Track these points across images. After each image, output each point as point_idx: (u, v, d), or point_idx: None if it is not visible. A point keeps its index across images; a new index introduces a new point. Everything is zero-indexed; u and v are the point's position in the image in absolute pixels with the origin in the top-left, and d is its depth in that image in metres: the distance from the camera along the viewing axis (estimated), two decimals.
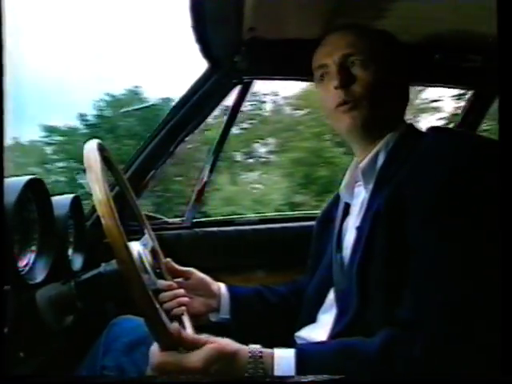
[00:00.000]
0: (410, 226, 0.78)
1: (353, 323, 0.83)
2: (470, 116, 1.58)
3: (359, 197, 0.96)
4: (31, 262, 0.92)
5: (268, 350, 0.73)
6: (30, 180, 0.89)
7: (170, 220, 1.64)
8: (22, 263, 0.90)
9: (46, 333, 0.88)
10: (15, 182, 0.85)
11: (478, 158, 0.80)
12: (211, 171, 1.56)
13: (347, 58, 0.93)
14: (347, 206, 1.01)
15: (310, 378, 0.67)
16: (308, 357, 0.73)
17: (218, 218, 1.74)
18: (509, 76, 0.55)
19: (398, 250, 0.78)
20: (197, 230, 1.56)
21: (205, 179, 1.56)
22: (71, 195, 1.14)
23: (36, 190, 0.93)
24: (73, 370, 0.98)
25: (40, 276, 0.91)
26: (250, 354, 0.71)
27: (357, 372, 0.70)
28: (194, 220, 1.58)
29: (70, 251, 1.12)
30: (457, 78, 1.39)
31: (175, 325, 0.70)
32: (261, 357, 0.71)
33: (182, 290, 1.01)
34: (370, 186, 0.91)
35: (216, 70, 1.31)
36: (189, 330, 0.93)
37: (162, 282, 0.97)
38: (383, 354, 0.71)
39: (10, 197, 0.81)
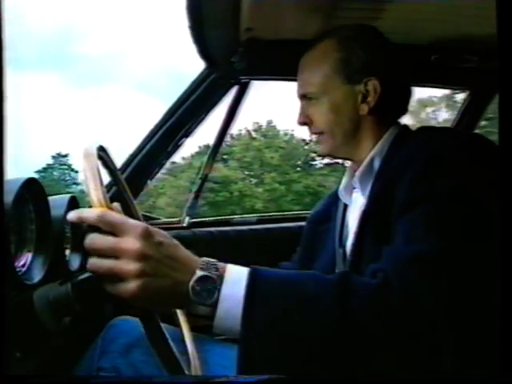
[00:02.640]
0: (393, 218, 0.77)
1: None
2: (466, 116, 1.59)
3: (357, 202, 0.96)
4: (28, 262, 0.92)
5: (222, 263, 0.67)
6: (27, 180, 0.88)
7: (168, 220, 1.64)
8: (18, 263, 0.90)
9: (43, 333, 0.88)
10: (12, 183, 0.85)
11: (458, 148, 0.80)
12: (209, 171, 1.56)
13: (304, 97, 0.96)
14: (345, 208, 1.02)
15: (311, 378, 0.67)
16: (261, 275, 0.65)
17: (216, 218, 1.74)
18: (509, 76, 0.55)
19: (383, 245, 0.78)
20: (194, 230, 1.56)
21: (202, 179, 1.56)
22: (68, 195, 1.14)
23: (33, 190, 0.93)
24: (69, 371, 0.98)
25: (37, 276, 0.90)
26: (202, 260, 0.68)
27: (309, 299, 0.63)
28: (192, 220, 1.58)
29: (67, 252, 1.12)
30: (453, 78, 1.40)
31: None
32: (215, 265, 0.67)
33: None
34: (367, 192, 0.91)
35: (213, 71, 1.32)
36: (190, 349, 0.90)
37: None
38: (341, 287, 0.64)
39: (7, 197, 0.81)
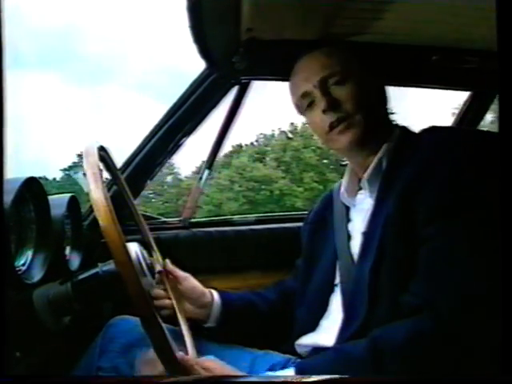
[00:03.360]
0: (420, 223, 0.79)
1: (362, 328, 0.83)
2: (467, 117, 1.59)
3: (363, 203, 0.96)
4: (28, 261, 0.92)
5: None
6: (27, 180, 0.88)
7: (168, 220, 1.63)
8: (18, 262, 0.90)
9: (43, 333, 0.88)
10: (12, 182, 0.85)
11: (478, 152, 0.81)
12: (209, 171, 1.55)
13: (326, 81, 0.94)
14: (347, 210, 1.01)
15: (312, 378, 0.68)
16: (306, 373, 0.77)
17: (216, 218, 1.74)
18: (509, 76, 0.55)
19: (410, 251, 0.79)
20: (194, 230, 1.55)
21: (203, 179, 1.56)
22: (68, 195, 1.14)
23: (33, 190, 0.93)
24: (69, 370, 0.98)
25: (37, 276, 0.90)
26: None
27: (354, 374, 0.73)
28: (192, 220, 1.58)
29: (67, 251, 1.12)
30: (454, 79, 1.40)
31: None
32: None
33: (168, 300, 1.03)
34: (376, 193, 0.91)
35: (214, 71, 1.31)
36: (190, 349, 0.93)
37: (158, 291, 1.03)
38: (372, 352, 0.74)
39: (7, 196, 0.81)
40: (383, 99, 0.98)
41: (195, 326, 1.01)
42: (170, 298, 1.03)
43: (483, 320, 0.71)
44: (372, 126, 0.93)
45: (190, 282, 1.07)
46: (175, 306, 1.02)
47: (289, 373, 0.79)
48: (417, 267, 0.78)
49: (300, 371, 0.78)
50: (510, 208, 0.55)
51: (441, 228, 0.77)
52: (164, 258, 1.11)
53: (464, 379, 0.66)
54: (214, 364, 0.80)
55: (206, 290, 1.08)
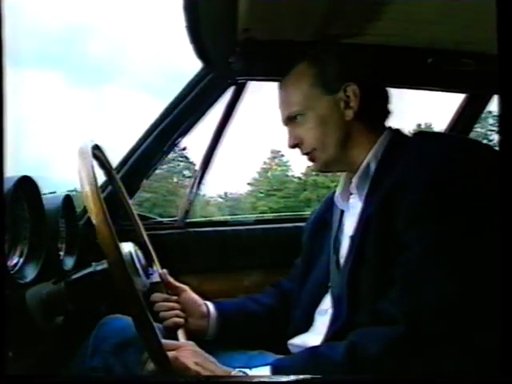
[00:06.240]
0: (399, 228, 0.79)
1: (343, 330, 0.83)
2: (462, 120, 1.59)
3: (355, 207, 0.96)
4: (22, 261, 0.92)
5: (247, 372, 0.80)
6: (21, 178, 0.88)
7: (164, 220, 1.63)
8: (12, 262, 0.90)
9: (36, 332, 0.87)
10: (6, 181, 0.84)
11: (461, 160, 0.81)
12: (205, 171, 1.55)
13: (291, 118, 0.98)
14: (342, 213, 1.02)
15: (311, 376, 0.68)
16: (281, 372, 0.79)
17: (212, 218, 1.74)
18: (509, 77, 0.55)
19: (388, 254, 0.79)
20: (190, 230, 1.55)
21: (198, 179, 1.55)
22: (63, 194, 1.13)
23: (27, 189, 0.92)
24: (61, 370, 0.98)
25: (30, 275, 0.90)
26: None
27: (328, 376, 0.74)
28: (188, 220, 1.58)
29: (61, 250, 1.11)
30: (450, 81, 1.40)
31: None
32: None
33: (177, 304, 1.03)
34: (364, 197, 0.91)
35: (210, 71, 1.31)
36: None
37: (157, 295, 1.03)
38: (349, 358, 0.75)
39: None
40: (357, 106, 0.94)
41: (194, 340, 1.01)
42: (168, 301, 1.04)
43: (459, 331, 0.72)
44: (339, 149, 0.95)
45: (188, 294, 1.07)
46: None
47: (264, 371, 0.79)
48: (395, 274, 0.78)
49: (275, 369, 0.79)
50: (508, 211, 0.55)
51: (419, 236, 0.77)
52: (160, 259, 1.11)
53: (464, 379, 0.66)
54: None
55: (203, 302, 1.08)
